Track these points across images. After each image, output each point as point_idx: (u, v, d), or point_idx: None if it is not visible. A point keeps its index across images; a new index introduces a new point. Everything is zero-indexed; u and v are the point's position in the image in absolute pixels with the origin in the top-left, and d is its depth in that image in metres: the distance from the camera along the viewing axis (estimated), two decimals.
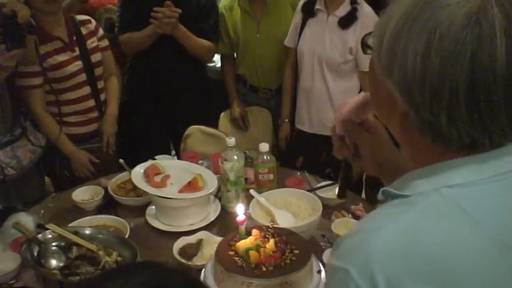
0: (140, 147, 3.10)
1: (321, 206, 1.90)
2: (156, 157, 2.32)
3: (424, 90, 0.72)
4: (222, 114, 3.14)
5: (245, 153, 2.24)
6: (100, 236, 1.79)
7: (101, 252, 1.68)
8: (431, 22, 0.71)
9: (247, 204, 1.90)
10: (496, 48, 0.69)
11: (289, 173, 2.35)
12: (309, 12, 2.71)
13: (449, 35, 0.70)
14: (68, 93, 2.58)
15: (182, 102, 2.96)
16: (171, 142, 3.20)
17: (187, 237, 1.83)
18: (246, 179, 2.14)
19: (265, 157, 2.09)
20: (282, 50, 2.90)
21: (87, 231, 1.80)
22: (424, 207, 0.75)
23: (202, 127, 2.86)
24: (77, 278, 1.60)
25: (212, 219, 2.00)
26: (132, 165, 2.13)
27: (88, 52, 2.61)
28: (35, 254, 1.66)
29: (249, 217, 1.78)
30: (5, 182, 2.32)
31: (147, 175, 2.02)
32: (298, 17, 2.76)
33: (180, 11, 2.66)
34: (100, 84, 2.71)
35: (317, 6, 2.68)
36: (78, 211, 2.10)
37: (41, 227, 1.78)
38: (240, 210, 1.58)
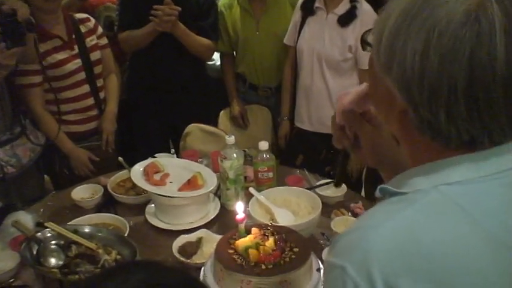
0: (140, 145, 3.10)
1: (321, 204, 1.90)
2: (155, 155, 2.32)
3: (422, 88, 0.72)
4: (222, 112, 3.13)
5: (245, 151, 2.24)
6: (99, 234, 1.79)
7: (100, 251, 1.68)
8: (430, 19, 0.71)
9: (247, 203, 1.90)
10: (495, 46, 0.68)
11: (288, 171, 2.36)
12: (308, 10, 2.71)
13: (448, 32, 0.69)
14: (67, 91, 2.58)
15: (182, 101, 2.96)
16: (170, 140, 3.20)
17: (186, 236, 1.83)
18: (245, 177, 2.14)
19: (264, 155, 2.09)
20: (282, 48, 2.89)
21: (87, 230, 1.80)
22: (422, 205, 0.75)
23: (202, 125, 2.86)
24: (76, 276, 1.60)
25: (212, 218, 2.00)
26: (131, 164, 2.12)
27: (87, 50, 2.60)
28: (34, 252, 1.66)
29: (248, 215, 1.78)
30: (4, 181, 2.32)
31: (147, 173, 2.02)
32: (297, 15, 2.76)
33: (179, 9, 2.66)
34: (99, 83, 2.70)
35: (316, 4, 2.68)
36: (78, 209, 2.10)
37: (40, 226, 1.78)
38: (239, 209, 1.58)
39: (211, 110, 3.14)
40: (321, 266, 1.54)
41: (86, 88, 2.63)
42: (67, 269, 1.63)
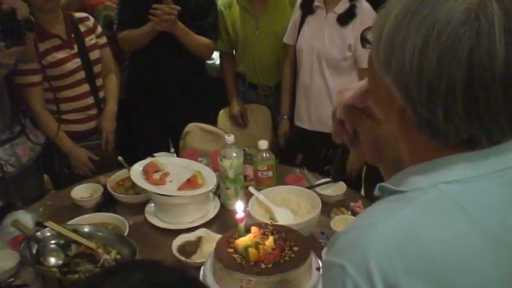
0: (139, 144, 3.10)
1: (320, 203, 1.90)
2: (155, 154, 2.32)
3: (421, 86, 0.72)
4: (221, 111, 3.13)
5: (244, 150, 2.23)
6: (99, 233, 1.78)
7: (100, 250, 1.68)
8: (430, 17, 0.70)
9: (247, 202, 1.90)
10: (494, 46, 0.68)
11: (288, 170, 2.36)
12: (307, 9, 2.71)
13: (447, 30, 0.69)
14: (67, 90, 2.58)
15: (181, 100, 2.96)
16: (170, 139, 3.20)
17: (186, 235, 1.83)
18: (245, 176, 2.14)
19: (264, 154, 2.09)
20: (281, 47, 2.89)
21: (86, 229, 1.80)
22: (421, 203, 0.74)
23: (202, 124, 2.86)
24: (76, 275, 1.60)
25: (211, 217, 2.00)
26: (131, 163, 2.12)
27: (86, 49, 2.60)
28: (34, 252, 1.65)
29: (248, 214, 1.78)
30: (4, 180, 2.32)
31: (146, 172, 2.02)
32: (297, 14, 2.76)
33: (179, 8, 2.66)
34: (99, 82, 2.70)
35: (316, 3, 2.68)
36: (77, 209, 2.10)
37: (39, 225, 1.78)
38: (239, 208, 1.58)
39: (211, 109, 3.14)
40: (321, 265, 1.54)
41: (85, 87, 2.63)
42: (67, 268, 1.63)
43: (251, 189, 2.01)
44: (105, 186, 2.19)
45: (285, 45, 2.87)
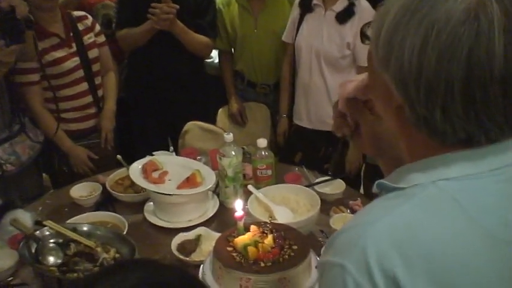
0: (138, 143, 3.09)
1: (319, 201, 1.90)
2: (154, 153, 2.32)
3: (419, 85, 0.72)
4: (220, 110, 3.13)
5: (243, 149, 2.23)
6: (98, 232, 1.78)
7: (99, 249, 1.68)
8: (430, 16, 0.70)
9: (246, 200, 1.90)
10: (493, 45, 0.68)
11: (287, 168, 2.35)
12: (306, 7, 2.71)
13: (446, 30, 0.69)
14: (66, 89, 2.58)
15: (180, 99, 2.96)
16: (169, 138, 3.20)
17: (185, 234, 1.83)
18: (244, 174, 2.14)
19: (263, 153, 2.09)
20: (280, 45, 2.89)
21: (85, 228, 1.79)
22: (420, 200, 0.74)
23: (201, 123, 2.86)
24: (75, 274, 1.60)
25: (210, 215, 2.00)
26: (130, 162, 2.12)
27: (85, 48, 2.60)
28: (33, 251, 1.65)
29: (247, 213, 1.78)
30: (3, 178, 2.31)
31: (145, 171, 2.02)
32: (295, 12, 2.76)
33: (177, 6, 2.66)
34: (97, 80, 2.70)
35: (314, 1, 2.68)
36: (76, 208, 2.10)
37: (38, 224, 1.78)
38: (238, 206, 1.58)
39: (210, 107, 3.13)
40: (318, 266, 1.53)
41: (84, 86, 2.63)
42: (66, 267, 1.63)
43: (250, 187, 2.01)
44: (104, 185, 2.18)
45: (283, 44, 2.86)
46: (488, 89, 0.69)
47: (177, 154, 2.61)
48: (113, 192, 2.15)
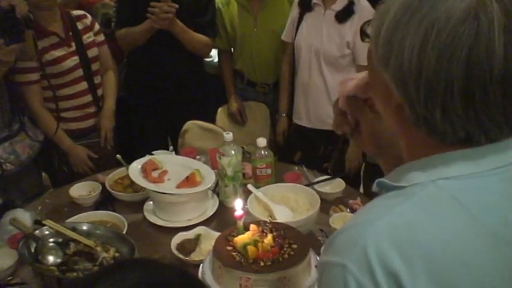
0: (138, 142, 3.09)
1: (319, 200, 1.90)
2: (153, 152, 2.32)
3: (419, 84, 0.72)
4: (220, 109, 3.13)
5: (243, 148, 2.24)
6: (97, 232, 1.78)
7: (98, 248, 1.68)
8: (430, 15, 0.70)
9: (245, 199, 1.90)
10: (493, 45, 0.68)
11: (287, 167, 2.35)
12: (305, 6, 2.70)
13: (446, 29, 0.69)
14: (65, 88, 2.58)
15: (180, 98, 2.96)
16: (168, 137, 3.20)
17: (185, 233, 1.82)
18: (243, 174, 2.14)
19: (262, 152, 2.09)
20: (279, 44, 2.89)
21: (85, 227, 1.79)
22: (420, 199, 0.74)
23: (200, 122, 2.86)
24: (75, 274, 1.60)
25: (210, 215, 2.00)
26: (129, 161, 2.12)
27: (84, 47, 2.60)
28: (32, 250, 1.65)
29: (246, 212, 1.77)
30: (3, 178, 2.31)
31: (145, 170, 2.02)
32: (295, 11, 2.76)
33: (177, 6, 2.65)
34: (97, 80, 2.70)
35: (314, 1, 2.68)
36: (76, 207, 2.10)
37: (38, 223, 1.78)
38: (238, 206, 1.58)
39: (209, 107, 3.13)
40: (317, 266, 1.54)
41: (83, 85, 2.63)
42: (65, 266, 1.63)
43: (250, 186, 2.01)
44: (103, 185, 2.18)
45: (283, 43, 2.86)
46: (488, 89, 0.69)
47: (176, 153, 2.61)
48: (113, 191, 2.14)
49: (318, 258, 1.55)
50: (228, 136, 2.01)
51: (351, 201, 2.01)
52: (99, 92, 2.72)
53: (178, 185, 1.97)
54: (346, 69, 2.68)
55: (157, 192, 1.94)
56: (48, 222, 1.74)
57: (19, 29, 2.10)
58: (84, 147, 2.68)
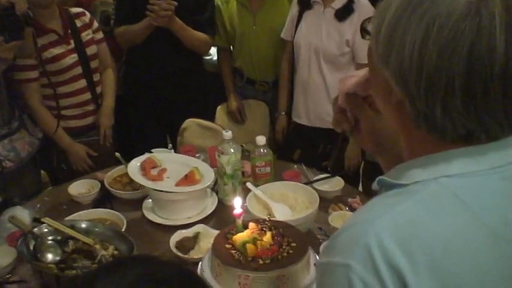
0: (137, 140, 3.09)
1: (318, 198, 1.90)
2: (152, 150, 2.31)
3: (420, 80, 0.71)
4: (219, 107, 3.13)
5: (242, 146, 2.23)
6: (96, 229, 1.78)
7: (97, 246, 1.68)
8: (431, 11, 0.70)
9: (244, 198, 1.90)
10: (495, 41, 0.68)
11: (286, 166, 2.35)
12: (305, 4, 2.70)
13: (448, 25, 0.69)
14: (65, 86, 2.57)
15: (179, 96, 2.95)
16: (167, 135, 3.20)
17: (184, 231, 1.82)
18: (242, 172, 2.14)
19: (262, 150, 2.09)
20: (279, 42, 2.89)
21: (84, 225, 1.79)
22: (422, 197, 0.74)
23: (199, 120, 2.86)
24: (73, 272, 1.60)
25: (209, 213, 2.00)
26: (128, 159, 2.12)
27: (83, 45, 2.59)
28: (31, 248, 1.65)
29: (246, 210, 1.77)
30: (3, 175, 2.31)
31: (144, 168, 2.02)
32: (294, 9, 2.76)
33: (176, 3, 2.65)
34: (96, 77, 2.69)
35: None
36: (75, 205, 2.09)
37: (37, 221, 1.78)
38: (237, 204, 1.58)
39: (209, 105, 3.13)
40: (316, 268, 1.53)
41: (82, 83, 2.62)
42: (64, 264, 1.63)
43: (249, 185, 2.01)
44: (102, 182, 2.18)
45: (282, 41, 2.86)
46: (488, 85, 0.69)
47: (175, 151, 2.61)
48: (112, 189, 2.14)
49: (316, 256, 1.55)
50: (227, 134, 2.01)
51: (350, 199, 2.02)
52: (98, 89, 2.72)
53: (177, 183, 1.96)
54: (345, 67, 2.68)
55: (156, 190, 1.94)
56: (47, 220, 1.74)
57: (19, 26, 2.10)
58: (83, 145, 2.68)
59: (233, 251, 1.47)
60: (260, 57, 2.97)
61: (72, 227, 1.75)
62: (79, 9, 2.66)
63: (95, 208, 2.04)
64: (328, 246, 0.78)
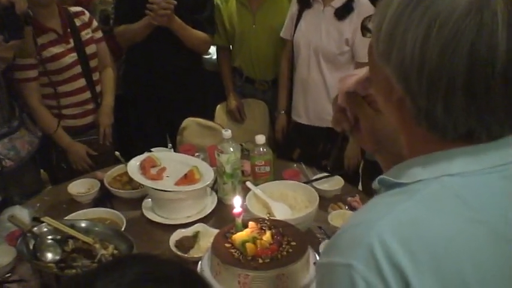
0: (136, 139, 3.09)
1: (318, 197, 1.90)
2: (152, 149, 2.31)
3: (421, 78, 0.71)
4: (218, 106, 3.13)
5: (241, 145, 2.23)
6: (96, 229, 1.78)
7: (97, 245, 1.68)
8: (432, 9, 0.70)
9: (244, 197, 1.90)
10: (496, 39, 0.67)
11: (285, 165, 2.35)
12: (304, 3, 2.70)
13: (449, 23, 0.68)
14: (64, 85, 2.57)
15: (178, 95, 2.95)
16: (167, 134, 3.20)
17: (183, 230, 1.82)
18: (242, 171, 2.14)
19: (261, 149, 2.09)
20: (278, 41, 2.88)
21: (83, 224, 1.79)
22: (423, 196, 0.74)
23: (199, 119, 2.85)
24: (73, 271, 1.60)
25: (209, 212, 2.00)
26: (128, 158, 2.12)
27: (82, 44, 2.59)
28: (31, 247, 1.65)
29: (245, 209, 1.77)
30: (2, 174, 2.31)
31: (143, 167, 2.02)
32: (294, 8, 2.75)
33: (175, 2, 2.65)
34: (95, 76, 2.69)
35: None
36: (74, 204, 2.09)
37: (36, 220, 1.78)
38: (236, 203, 1.58)
39: (208, 104, 3.13)
40: (316, 268, 1.53)
41: (82, 82, 2.62)
42: (64, 263, 1.63)
43: (248, 184, 2.01)
44: (102, 182, 2.18)
45: (282, 40, 2.86)
46: (490, 84, 0.69)
47: (175, 150, 2.61)
48: (111, 188, 2.14)
49: (316, 255, 1.55)
50: (227, 133, 2.01)
51: (349, 198, 2.02)
52: (98, 88, 2.72)
53: (176, 182, 1.96)
54: (345, 66, 2.68)
55: (156, 189, 1.94)
56: (46, 219, 1.74)
57: (18, 25, 2.10)
58: (83, 144, 2.68)
59: (233, 250, 1.47)
60: (260, 56, 2.97)
61: (72, 226, 1.75)
62: (78, 8, 2.66)
63: (94, 207, 2.04)
64: (329, 247, 0.78)
